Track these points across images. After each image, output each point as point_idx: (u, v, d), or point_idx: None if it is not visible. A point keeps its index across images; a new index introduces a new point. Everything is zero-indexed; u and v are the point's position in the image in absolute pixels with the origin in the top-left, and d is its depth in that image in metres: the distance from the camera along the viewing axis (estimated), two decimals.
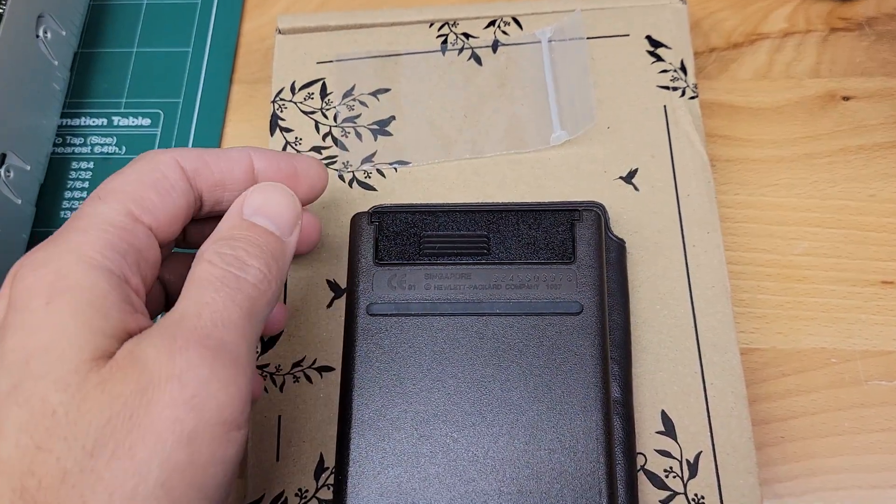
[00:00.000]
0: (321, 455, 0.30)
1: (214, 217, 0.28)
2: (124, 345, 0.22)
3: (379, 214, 0.31)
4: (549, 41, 0.35)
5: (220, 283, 0.23)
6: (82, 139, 0.40)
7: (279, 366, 0.32)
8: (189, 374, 0.21)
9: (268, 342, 0.32)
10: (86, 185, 0.39)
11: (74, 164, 0.39)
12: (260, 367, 0.32)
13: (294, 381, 0.31)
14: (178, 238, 0.28)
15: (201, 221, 0.29)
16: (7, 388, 0.21)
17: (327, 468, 0.30)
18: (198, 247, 0.26)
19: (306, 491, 0.30)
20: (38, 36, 0.37)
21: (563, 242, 0.29)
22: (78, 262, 0.22)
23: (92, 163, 0.39)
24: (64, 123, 0.40)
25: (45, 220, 0.38)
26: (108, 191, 0.25)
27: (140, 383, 0.21)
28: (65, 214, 0.38)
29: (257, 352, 0.31)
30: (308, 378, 0.31)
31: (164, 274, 0.29)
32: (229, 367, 0.22)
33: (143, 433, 0.20)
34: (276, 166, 0.28)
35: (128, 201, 0.25)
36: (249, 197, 0.26)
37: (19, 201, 0.36)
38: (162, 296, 0.29)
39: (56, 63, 0.39)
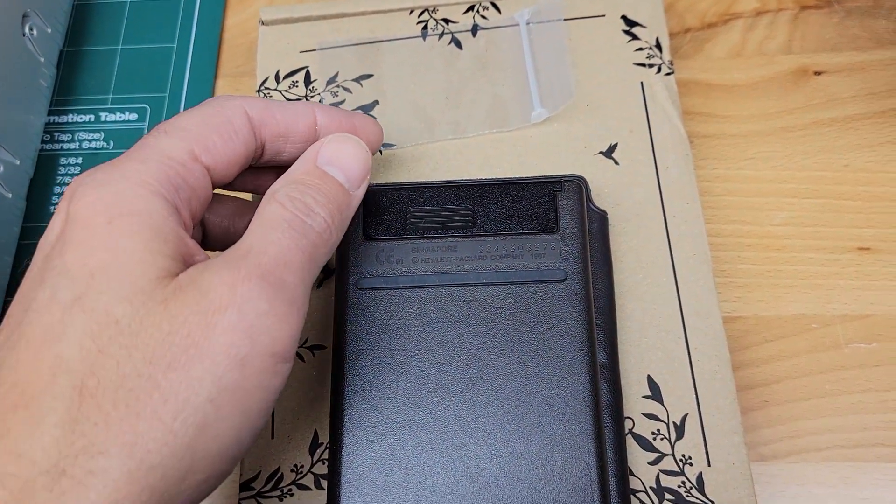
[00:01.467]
0: (315, 431, 0.31)
1: (270, 167, 0.29)
2: (188, 270, 0.23)
3: (366, 192, 0.31)
4: (528, 23, 0.36)
5: (287, 226, 0.24)
6: (70, 135, 0.40)
7: None
8: (249, 305, 0.22)
9: None
10: None
11: (63, 160, 0.40)
12: None
13: None
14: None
15: (255, 169, 0.30)
16: (70, 299, 0.22)
17: (321, 444, 0.30)
18: (246, 191, 0.28)
19: (301, 466, 0.30)
20: (24, 34, 0.38)
21: (546, 212, 0.30)
22: (137, 186, 0.23)
23: (80, 158, 0.40)
24: (52, 121, 0.40)
25: (35, 215, 0.38)
26: (174, 127, 0.26)
27: (201, 306, 0.22)
28: (54, 210, 0.38)
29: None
30: (300, 357, 0.32)
31: (206, 213, 0.30)
32: (285, 305, 0.23)
33: (199, 352, 0.21)
34: (338, 122, 0.29)
35: (191, 140, 0.25)
36: (325, 146, 0.28)
37: (10, 195, 0.36)
38: (200, 234, 0.30)
39: (42, 60, 0.39)
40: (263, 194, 0.26)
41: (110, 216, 0.23)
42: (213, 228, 0.30)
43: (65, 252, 0.23)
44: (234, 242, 0.27)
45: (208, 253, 0.26)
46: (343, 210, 0.27)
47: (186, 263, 0.24)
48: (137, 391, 0.21)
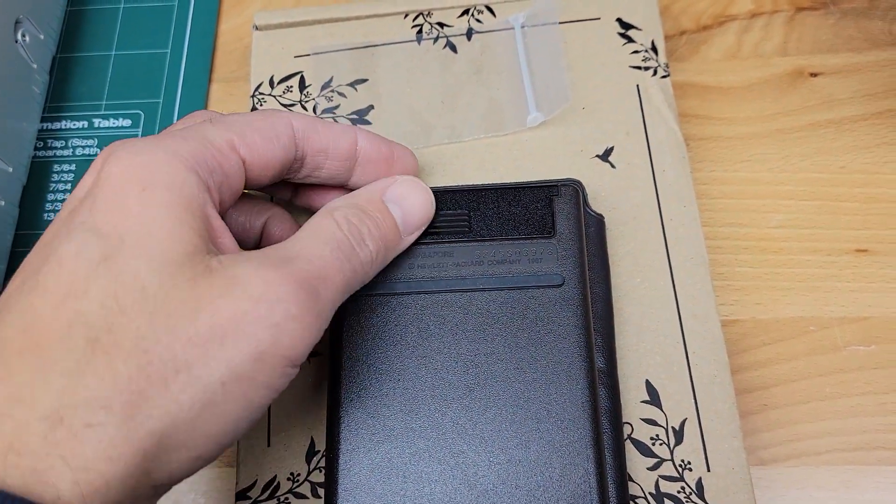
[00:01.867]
0: (311, 439, 0.30)
1: (309, 185, 0.30)
2: (220, 257, 0.23)
3: None
4: (522, 27, 0.36)
5: (336, 246, 0.25)
6: (63, 142, 0.40)
7: None
8: (281, 305, 0.23)
9: None
10: (68, 187, 0.39)
11: (56, 167, 0.39)
12: None
13: None
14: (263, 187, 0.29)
15: (293, 185, 0.31)
16: (98, 257, 0.22)
17: (318, 451, 0.30)
18: (282, 200, 0.29)
19: (298, 475, 0.30)
20: (16, 40, 0.37)
21: (543, 217, 0.30)
22: (174, 160, 0.24)
23: (74, 165, 0.39)
24: (45, 127, 0.40)
25: (29, 222, 0.38)
26: (218, 118, 0.27)
27: (233, 294, 0.22)
28: (48, 216, 0.38)
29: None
30: None
31: (232, 211, 0.30)
32: (312, 316, 0.23)
33: (222, 336, 0.22)
34: (378, 148, 0.30)
35: (232, 131, 0.26)
36: (397, 184, 0.29)
37: (3, 203, 0.36)
38: None
39: (35, 66, 0.39)
40: (301, 205, 0.29)
41: (144, 185, 0.23)
42: (231, 223, 0.30)
43: (95, 211, 0.23)
44: (249, 240, 0.30)
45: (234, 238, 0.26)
46: (389, 250, 0.28)
47: (214, 244, 0.24)
48: (152, 356, 0.21)
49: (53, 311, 0.21)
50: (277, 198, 0.33)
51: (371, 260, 0.27)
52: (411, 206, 0.29)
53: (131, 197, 0.23)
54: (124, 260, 0.22)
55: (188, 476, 0.23)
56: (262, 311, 0.22)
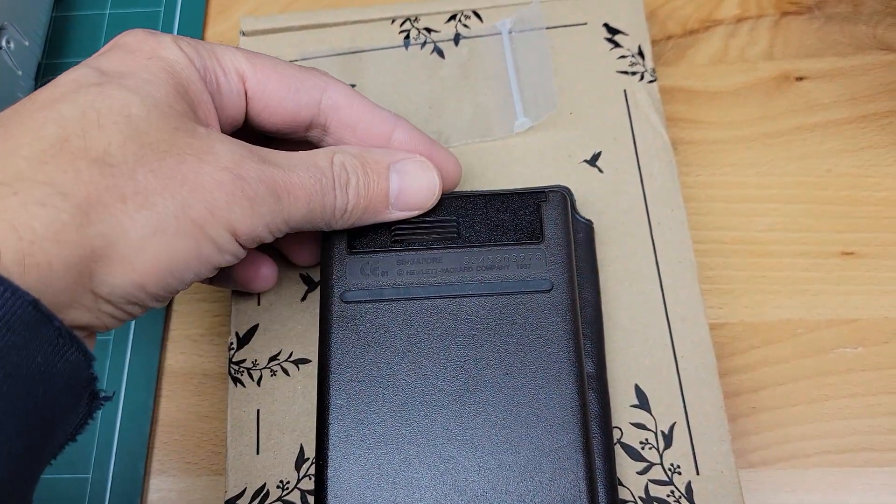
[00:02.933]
0: (301, 446, 0.30)
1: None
2: (210, 130, 0.25)
3: None
4: (510, 32, 0.36)
5: (316, 177, 0.26)
6: None
7: (255, 360, 0.32)
8: (241, 182, 0.24)
9: (243, 337, 0.32)
10: None
11: None
12: (236, 364, 0.32)
13: (271, 375, 0.31)
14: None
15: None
16: (93, 82, 0.23)
17: (308, 459, 0.30)
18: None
19: (287, 482, 0.30)
20: (1, 47, 0.37)
21: (531, 223, 0.30)
22: (182, 52, 0.26)
23: None
24: None
25: None
26: (249, 52, 0.28)
27: (203, 157, 0.24)
28: None
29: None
30: (285, 371, 0.31)
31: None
32: (265, 211, 0.25)
33: (182, 180, 0.23)
34: (415, 147, 0.30)
35: (248, 63, 0.28)
36: (408, 160, 0.29)
37: None
38: None
39: (20, 73, 0.39)
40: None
41: (152, 55, 0.25)
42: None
43: (101, 59, 0.25)
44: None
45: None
46: (368, 213, 0.28)
47: (201, 122, 0.26)
48: (115, 171, 0.22)
49: (33, 111, 0.22)
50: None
51: (343, 210, 0.27)
52: (411, 184, 0.29)
53: (139, 59, 0.25)
54: (118, 90, 0.23)
55: (125, 306, 0.23)
56: (224, 178, 0.24)
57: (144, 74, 0.24)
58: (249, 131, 0.29)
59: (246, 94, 0.28)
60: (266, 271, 0.31)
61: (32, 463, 0.21)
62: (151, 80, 0.24)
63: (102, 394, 0.23)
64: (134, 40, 0.25)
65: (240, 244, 0.25)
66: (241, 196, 0.24)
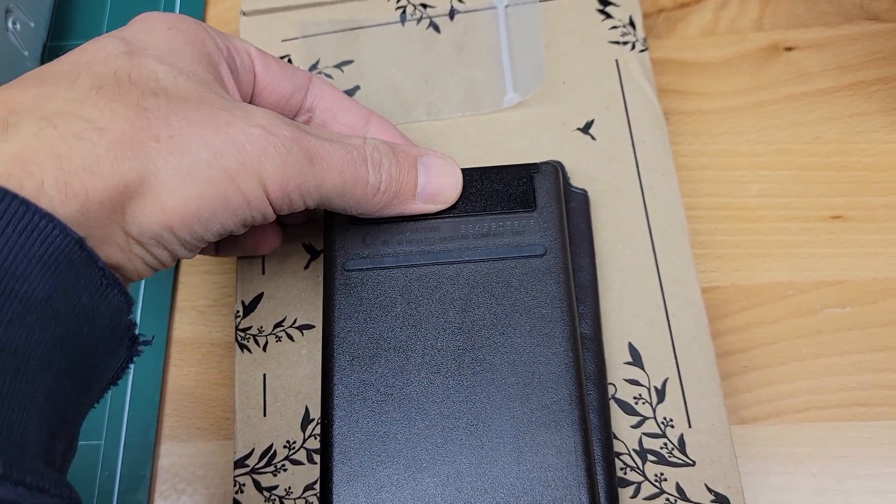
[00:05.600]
0: (307, 408, 0.31)
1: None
2: (236, 99, 0.26)
3: None
4: (506, 7, 0.37)
5: (351, 152, 0.27)
6: None
7: (261, 327, 0.33)
8: (273, 139, 0.24)
9: (249, 305, 0.33)
10: None
11: None
12: (242, 331, 0.33)
13: (277, 341, 0.32)
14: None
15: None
16: (121, 50, 0.24)
17: (313, 420, 0.31)
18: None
19: (294, 442, 0.31)
20: (7, 28, 0.38)
21: (525, 193, 0.31)
22: (198, 26, 0.27)
23: None
24: None
25: None
26: (253, 43, 0.30)
27: (235, 113, 0.24)
28: None
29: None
30: (290, 337, 0.32)
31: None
32: (298, 170, 0.25)
33: (215, 129, 0.23)
34: (388, 134, 0.32)
35: (256, 49, 0.29)
36: (435, 155, 0.30)
37: None
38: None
39: (27, 54, 0.39)
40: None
41: (173, 26, 0.26)
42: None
43: (124, 32, 0.25)
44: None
45: None
46: (398, 199, 0.29)
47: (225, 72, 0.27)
48: (150, 114, 0.22)
49: (68, 67, 0.23)
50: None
51: (375, 189, 0.27)
52: (437, 178, 0.30)
53: (158, 30, 0.25)
54: (145, 59, 0.24)
55: (153, 249, 0.23)
56: (256, 133, 0.24)
57: (169, 45, 0.25)
58: None
59: (255, 73, 0.29)
60: (271, 233, 0.32)
61: (78, 403, 0.22)
62: (176, 50, 0.25)
63: (142, 338, 0.24)
64: (154, 17, 0.26)
65: (270, 203, 0.25)
66: (273, 152, 0.24)
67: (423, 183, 0.29)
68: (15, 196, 0.19)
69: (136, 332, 0.24)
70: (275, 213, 0.25)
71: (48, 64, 0.24)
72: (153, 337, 0.25)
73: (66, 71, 0.23)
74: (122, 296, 0.22)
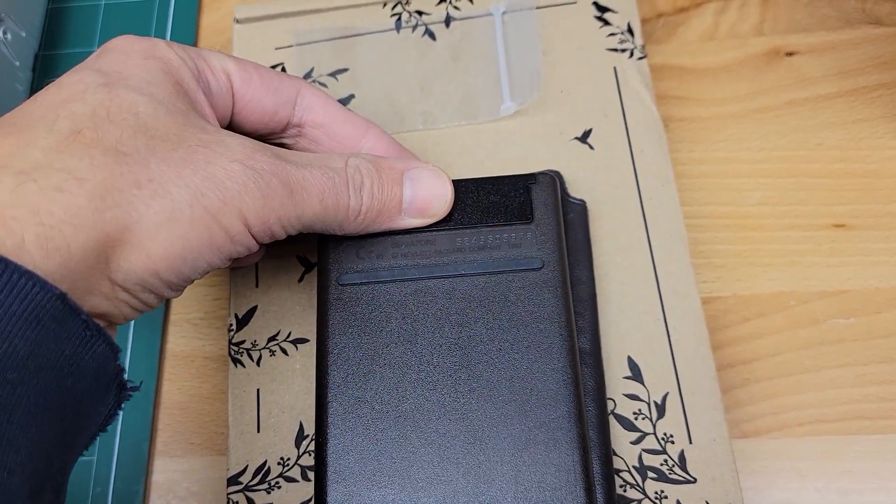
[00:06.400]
0: (301, 424, 0.31)
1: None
2: (218, 127, 0.25)
3: None
4: (503, 14, 0.36)
5: (331, 177, 0.26)
6: None
7: (255, 341, 0.32)
8: (253, 174, 0.24)
9: (242, 319, 0.33)
10: None
11: None
12: (236, 345, 0.32)
13: (270, 355, 0.32)
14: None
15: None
16: (99, 83, 0.23)
17: (307, 436, 0.31)
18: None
19: (288, 459, 0.30)
20: None
21: (521, 204, 0.30)
22: (171, 52, 0.26)
23: None
24: None
25: None
26: (231, 56, 0.29)
27: (213, 148, 0.24)
28: None
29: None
30: (284, 351, 0.32)
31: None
32: (277, 204, 0.25)
33: (194, 169, 0.23)
34: (386, 151, 0.31)
35: (233, 64, 0.28)
36: (422, 168, 0.29)
37: None
38: None
39: (17, 64, 0.39)
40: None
41: (146, 55, 0.25)
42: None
43: (99, 62, 0.25)
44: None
45: None
46: (382, 217, 0.28)
47: (203, 104, 0.26)
48: (129, 159, 0.22)
49: (45, 109, 0.22)
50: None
51: (357, 212, 0.27)
52: (425, 192, 0.29)
53: (135, 60, 0.25)
54: (124, 91, 0.23)
55: (140, 294, 0.23)
56: (236, 169, 0.24)
57: (145, 75, 0.24)
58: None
59: (233, 92, 0.28)
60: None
61: (65, 454, 0.22)
62: (152, 80, 0.24)
63: (130, 384, 0.23)
64: (125, 43, 0.26)
65: (252, 236, 0.25)
66: (253, 187, 0.24)
67: (409, 198, 0.29)
68: None
69: (125, 377, 0.23)
70: (257, 244, 0.25)
71: (26, 103, 0.23)
72: (141, 383, 0.25)
73: (42, 113, 0.22)
74: (107, 345, 0.22)
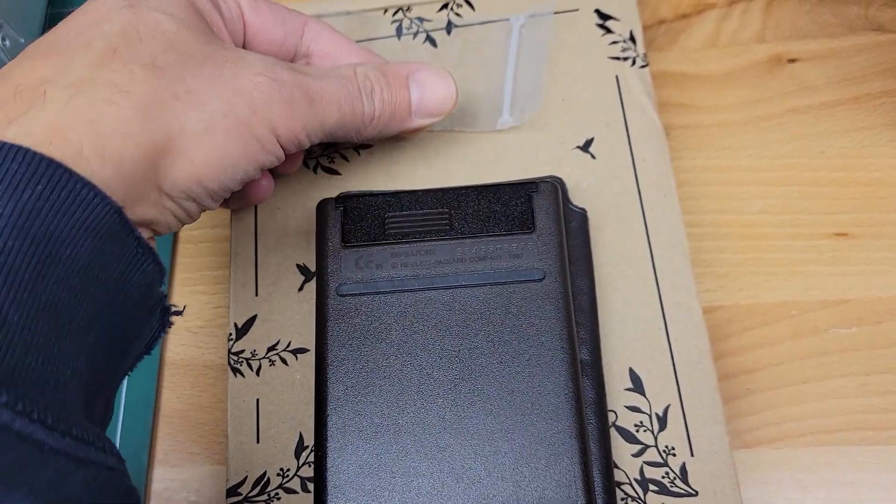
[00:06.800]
0: (300, 434, 0.31)
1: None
2: (231, 44, 0.27)
3: (344, 199, 0.31)
4: (521, 27, 0.36)
5: (344, 85, 0.28)
6: None
7: (254, 351, 0.32)
8: (277, 84, 0.25)
9: (242, 328, 0.32)
10: None
11: None
12: (235, 354, 0.32)
13: (270, 365, 0.32)
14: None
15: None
16: (124, 3, 0.24)
17: (307, 447, 0.30)
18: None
19: (288, 470, 0.30)
20: None
21: (523, 213, 0.30)
22: None
23: None
24: None
25: None
26: None
27: (237, 63, 0.25)
28: None
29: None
30: (284, 361, 0.32)
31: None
32: (301, 113, 0.26)
33: (224, 82, 0.24)
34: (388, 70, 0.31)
35: (244, 1, 0.29)
36: (424, 69, 0.30)
37: None
38: None
39: None
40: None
41: None
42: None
43: None
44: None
45: None
46: (394, 120, 0.30)
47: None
48: (165, 73, 0.23)
49: (76, 32, 0.23)
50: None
51: (372, 116, 0.29)
52: (431, 92, 0.30)
53: None
54: (148, 10, 0.24)
55: (184, 202, 0.25)
56: (261, 81, 0.25)
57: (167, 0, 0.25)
58: None
59: (244, 20, 0.29)
60: (264, 182, 0.32)
61: (114, 368, 0.23)
62: (173, 2, 0.25)
63: (173, 308, 0.25)
64: None
65: (281, 146, 0.26)
66: (278, 98, 0.25)
67: (417, 99, 0.30)
68: (59, 165, 0.19)
69: (167, 303, 0.24)
70: (285, 153, 0.27)
71: (53, 31, 0.24)
72: (184, 307, 0.26)
73: (76, 35, 0.23)
74: (155, 265, 0.23)
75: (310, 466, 0.30)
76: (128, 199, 0.22)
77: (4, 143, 0.19)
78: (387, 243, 0.30)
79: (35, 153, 0.19)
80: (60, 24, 0.24)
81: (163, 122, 0.22)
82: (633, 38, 0.36)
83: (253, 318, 0.33)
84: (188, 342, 0.36)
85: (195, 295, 0.36)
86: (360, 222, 0.30)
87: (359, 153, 0.35)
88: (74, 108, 0.21)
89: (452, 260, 0.30)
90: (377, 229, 0.30)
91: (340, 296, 0.30)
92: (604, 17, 0.36)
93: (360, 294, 0.29)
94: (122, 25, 0.23)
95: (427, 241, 0.30)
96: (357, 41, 0.37)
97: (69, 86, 0.21)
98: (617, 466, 0.29)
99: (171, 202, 0.24)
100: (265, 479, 0.30)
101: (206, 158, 0.24)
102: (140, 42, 0.23)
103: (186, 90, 0.23)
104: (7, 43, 0.38)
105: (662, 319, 0.31)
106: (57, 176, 0.19)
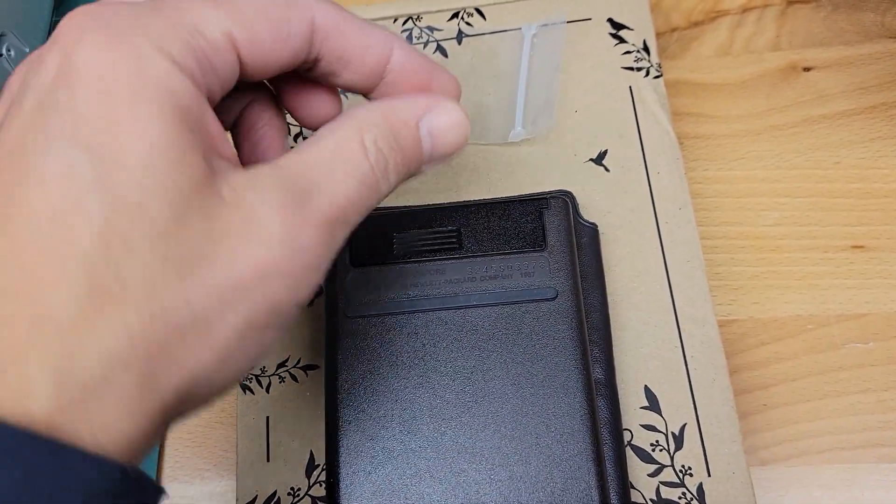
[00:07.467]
0: (311, 453, 0.30)
1: (306, 81, 0.26)
2: (228, 179, 0.20)
3: None
4: (533, 37, 0.35)
5: (363, 181, 0.22)
6: None
7: (264, 368, 0.32)
8: (301, 256, 0.20)
9: None
10: None
11: None
12: None
13: (280, 382, 0.31)
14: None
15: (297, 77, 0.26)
16: (91, 178, 0.18)
17: (318, 465, 0.30)
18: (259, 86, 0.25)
19: (298, 489, 0.30)
20: (1, 54, 0.37)
21: (534, 231, 0.30)
22: (161, 59, 0.19)
23: None
24: None
25: None
26: (234, 7, 0.22)
27: (250, 235, 0.20)
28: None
29: None
30: (294, 377, 0.31)
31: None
32: (327, 261, 0.21)
33: (242, 288, 0.19)
34: (415, 72, 0.25)
35: (237, 22, 0.22)
36: (439, 113, 0.25)
37: None
38: None
39: None
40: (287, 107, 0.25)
41: (133, 90, 0.19)
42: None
43: (78, 120, 0.19)
44: (223, 124, 0.24)
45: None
46: (404, 178, 0.24)
47: (217, 156, 0.21)
48: (167, 305, 0.18)
49: (42, 246, 0.18)
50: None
51: (388, 191, 0.24)
52: (444, 140, 0.25)
53: (121, 107, 0.19)
54: (125, 186, 0.18)
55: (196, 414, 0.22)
56: (283, 265, 0.20)
57: (141, 143, 0.19)
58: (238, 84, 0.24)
59: (240, 58, 0.22)
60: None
61: None
62: (151, 147, 0.19)
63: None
64: (97, 66, 0.19)
65: (303, 307, 0.22)
66: (303, 272, 0.20)
67: (429, 151, 0.25)
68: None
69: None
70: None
71: (10, 229, 0.18)
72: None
73: (44, 260, 0.18)
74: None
75: (321, 486, 0.30)
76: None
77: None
78: (395, 263, 0.30)
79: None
80: (15, 200, 0.18)
81: (171, 381, 0.19)
82: (646, 48, 0.35)
83: None
84: None
85: None
86: (369, 241, 0.30)
87: None
88: (68, 403, 0.17)
89: (463, 279, 0.29)
90: (385, 248, 0.30)
91: (349, 317, 0.29)
92: (617, 26, 0.36)
93: (370, 315, 0.29)
94: (101, 230, 0.18)
95: (436, 260, 0.29)
96: None
97: (53, 369, 0.17)
98: (633, 487, 0.29)
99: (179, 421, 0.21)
100: (275, 499, 0.30)
101: (220, 386, 0.20)
102: (129, 253, 0.18)
103: (193, 321, 0.19)
104: (11, 53, 0.38)
105: (678, 335, 0.30)
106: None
